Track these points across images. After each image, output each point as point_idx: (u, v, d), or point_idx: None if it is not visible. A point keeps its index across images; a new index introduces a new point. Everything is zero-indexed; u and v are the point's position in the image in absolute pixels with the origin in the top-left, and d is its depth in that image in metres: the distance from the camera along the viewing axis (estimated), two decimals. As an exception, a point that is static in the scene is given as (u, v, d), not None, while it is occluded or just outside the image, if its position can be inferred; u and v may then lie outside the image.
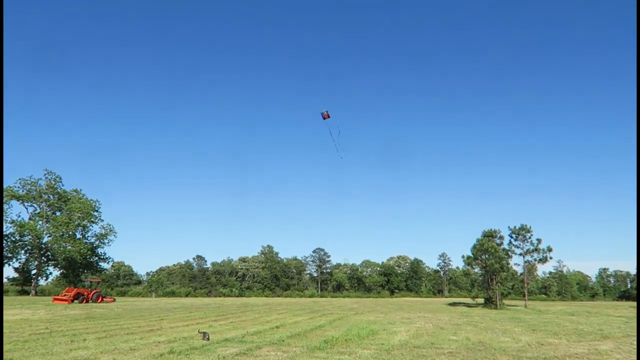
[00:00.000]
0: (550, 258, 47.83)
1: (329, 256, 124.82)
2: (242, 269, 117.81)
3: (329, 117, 17.17)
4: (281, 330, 22.15)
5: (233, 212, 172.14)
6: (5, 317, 25.98)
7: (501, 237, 48.71)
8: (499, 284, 45.83)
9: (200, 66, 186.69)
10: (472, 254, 47.48)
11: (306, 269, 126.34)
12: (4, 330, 21.23)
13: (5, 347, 14.35)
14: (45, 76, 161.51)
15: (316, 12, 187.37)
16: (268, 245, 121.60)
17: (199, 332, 15.97)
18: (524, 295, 52.06)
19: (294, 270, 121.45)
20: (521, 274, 51.02)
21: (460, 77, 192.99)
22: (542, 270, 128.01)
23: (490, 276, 46.46)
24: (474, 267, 49.61)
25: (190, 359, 13.75)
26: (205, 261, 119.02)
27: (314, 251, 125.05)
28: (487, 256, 45.96)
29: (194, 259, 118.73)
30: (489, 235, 48.20)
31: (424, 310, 41.64)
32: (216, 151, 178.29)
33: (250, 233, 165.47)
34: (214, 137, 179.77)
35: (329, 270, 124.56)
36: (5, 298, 50.12)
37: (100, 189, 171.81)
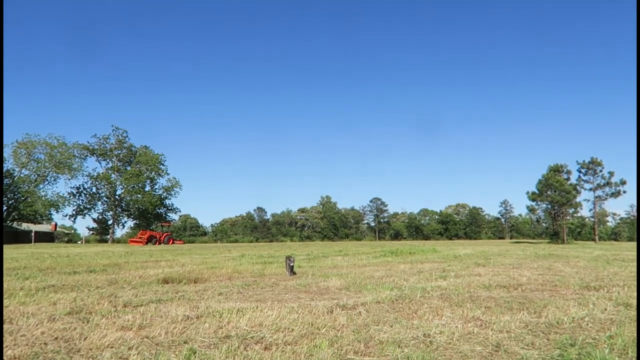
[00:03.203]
0: (624, 192, 45.05)
1: (386, 205, 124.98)
2: (301, 219, 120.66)
3: None
4: (344, 251, 22.77)
5: (291, 163, 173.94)
6: (91, 250, 28.39)
7: (568, 172, 46.29)
8: (566, 218, 44.06)
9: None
10: (537, 189, 45.70)
11: (364, 218, 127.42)
12: (103, 252, 23.33)
13: (106, 261, 15.74)
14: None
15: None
16: (326, 196, 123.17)
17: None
18: (594, 232, 49.94)
19: (351, 220, 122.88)
20: (590, 210, 48.79)
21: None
22: (614, 217, 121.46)
23: (556, 211, 44.73)
24: (538, 203, 47.83)
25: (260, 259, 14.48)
26: (266, 212, 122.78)
27: (371, 201, 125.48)
28: (552, 191, 44.10)
29: (254, 210, 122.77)
30: (556, 170, 45.97)
31: (485, 244, 41.14)
32: (274, 106, 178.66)
33: (308, 184, 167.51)
34: (275, 91, 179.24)
35: (387, 220, 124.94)
36: (87, 244, 54.52)
37: (165, 145, 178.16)
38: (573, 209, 45.78)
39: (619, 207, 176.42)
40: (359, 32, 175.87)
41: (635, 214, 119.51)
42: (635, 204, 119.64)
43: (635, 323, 4.68)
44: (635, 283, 8.19)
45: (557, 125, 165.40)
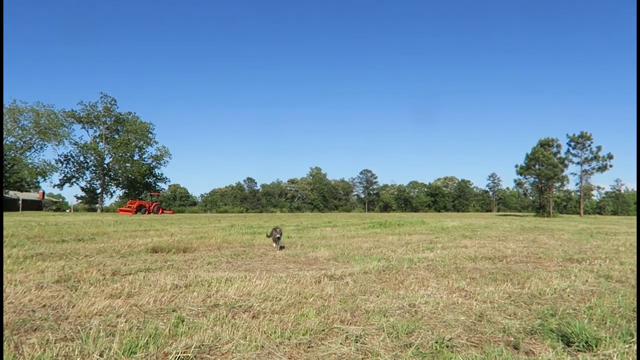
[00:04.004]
0: (611, 166, 45.59)
1: (375, 177, 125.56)
2: (291, 190, 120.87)
3: None
4: (333, 222, 22.93)
5: (281, 134, 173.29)
6: (80, 219, 28.25)
7: (558, 146, 46.69)
8: (552, 191, 44.65)
9: None
10: (525, 163, 46.11)
11: (353, 190, 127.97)
12: (92, 220, 23.22)
13: (95, 230, 15.70)
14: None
15: None
16: (316, 167, 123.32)
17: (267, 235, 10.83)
18: (579, 206, 50.75)
19: (341, 192, 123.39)
20: (577, 184, 49.42)
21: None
22: (599, 191, 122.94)
23: (543, 185, 45.29)
24: (526, 177, 48.34)
25: (249, 229, 14.55)
26: (256, 183, 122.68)
27: (361, 173, 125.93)
28: (540, 165, 44.51)
29: (244, 181, 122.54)
30: (546, 143, 46.31)
31: (473, 217, 41.68)
32: (265, 77, 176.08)
33: (298, 155, 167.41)
34: (264, 61, 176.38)
35: (376, 192, 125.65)
36: (75, 213, 54.19)
37: (155, 114, 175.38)
38: (560, 183, 46.35)
39: (604, 181, 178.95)
40: (355, 13, 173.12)
41: (621, 188, 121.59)
42: (620, 178, 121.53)
43: (615, 294, 4.81)
44: (616, 255, 8.38)
45: (550, 98, 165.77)
